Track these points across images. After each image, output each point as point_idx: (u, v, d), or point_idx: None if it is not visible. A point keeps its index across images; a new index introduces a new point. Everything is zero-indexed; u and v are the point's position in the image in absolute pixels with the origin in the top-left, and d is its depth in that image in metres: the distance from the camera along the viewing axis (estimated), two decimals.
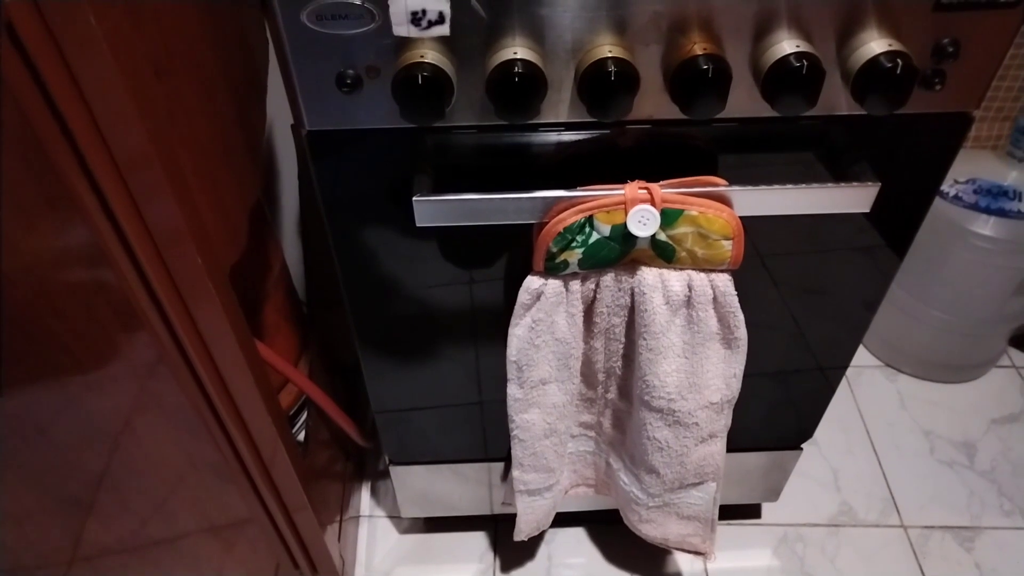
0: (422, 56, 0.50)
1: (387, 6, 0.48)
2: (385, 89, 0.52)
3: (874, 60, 0.51)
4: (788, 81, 0.51)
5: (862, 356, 1.32)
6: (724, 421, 0.75)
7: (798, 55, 0.50)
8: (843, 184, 0.58)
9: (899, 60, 0.50)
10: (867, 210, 0.59)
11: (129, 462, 0.72)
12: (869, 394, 1.27)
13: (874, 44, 0.51)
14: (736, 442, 0.80)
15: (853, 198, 0.58)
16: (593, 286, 0.65)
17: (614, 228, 0.59)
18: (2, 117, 0.45)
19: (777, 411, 0.88)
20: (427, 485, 0.95)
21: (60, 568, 0.85)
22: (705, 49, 0.51)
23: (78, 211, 0.50)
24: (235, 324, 0.61)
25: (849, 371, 0.83)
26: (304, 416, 0.92)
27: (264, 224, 0.82)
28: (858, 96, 0.53)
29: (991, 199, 1.08)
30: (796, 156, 0.61)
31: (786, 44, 0.51)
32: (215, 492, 0.77)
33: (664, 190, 0.57)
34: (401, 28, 0.49)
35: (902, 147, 0.60)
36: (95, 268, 0.54)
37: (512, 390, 0.72)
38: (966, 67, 0.53)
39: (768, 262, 0.70)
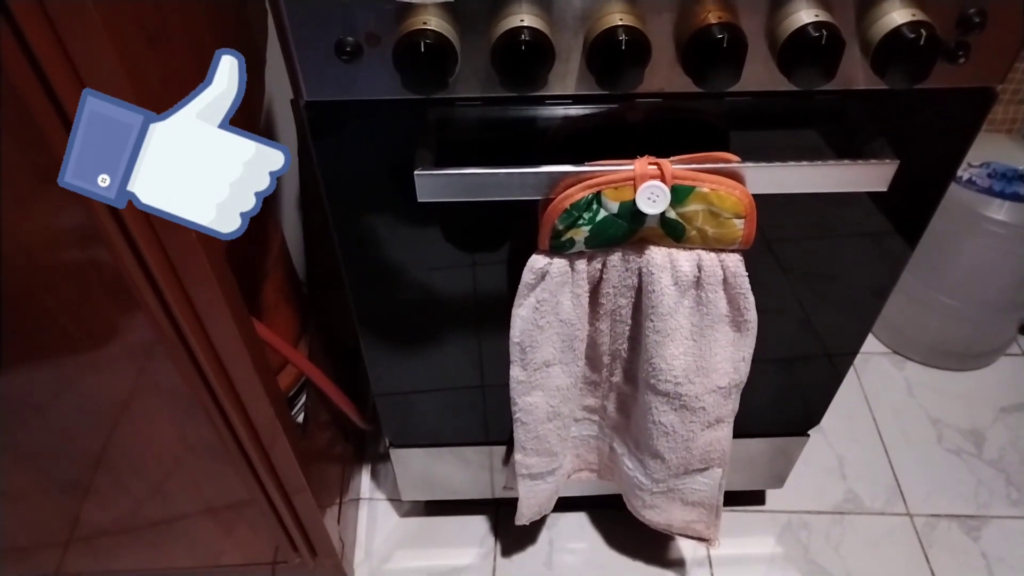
0: (424, 23, 0.49)
1: None
2: (386, 57, 0.50)
3: (896, 31, 0.49)
4: (806, 52, 0.49)
5: (869, 343, 1.30)
6: (731, 406, 0.74)
7: (817, 25, 0.49)
8: (860, 161, 0.56)
9: (923, 31, 0.48)
10: (884, 188, 0.57)
11: (126, 443, 0.72)
12: (876, 381, 1.25)
13: (896, 14, 0.49)
14: (741, 428, 0.79)
15: (871, 176, 0.57)
16: (599, 266, 0.64)
17: (622, 205, 0.57)
18: None
19: (784, 397, 0.87)
20: (428, 468, 0.94)
21: (56, 549, 0.84)
22: (720, 18, 0.49)
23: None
24: (232, 304, 0.60)
25: (856, 358, 0.82)
26: (303, 398, 0.92)
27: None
28: (878, 69, 0.51)
29: (1006, 183, 1.06)
30: (811, 132, 0.59)
31: (804, 14, 0.50)
32: (213, 474, 0.76)
33: (675, 166, 0.56)
34: None
35: (921, 124, 0.58)
36: (90, 247, 0.54)
37: (515, 372, 0.71)
38: (992, 39, 0.51)
39: (777, 246, 0.68)
